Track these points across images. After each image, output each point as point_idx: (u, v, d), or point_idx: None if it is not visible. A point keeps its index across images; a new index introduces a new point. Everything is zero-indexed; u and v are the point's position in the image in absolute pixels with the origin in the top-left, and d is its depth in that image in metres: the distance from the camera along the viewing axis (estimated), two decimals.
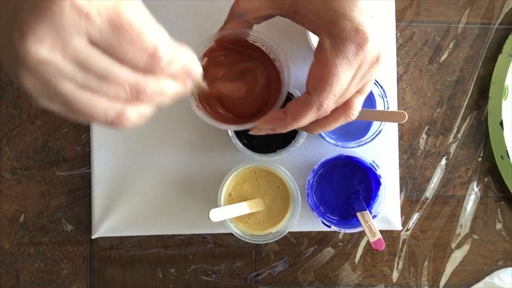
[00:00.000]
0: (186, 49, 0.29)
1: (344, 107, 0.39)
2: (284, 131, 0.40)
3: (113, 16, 0.24)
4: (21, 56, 0.23)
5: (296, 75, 0.56)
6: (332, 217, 0.55)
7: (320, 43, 0.37)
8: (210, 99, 0.45)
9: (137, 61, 0.25)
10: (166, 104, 0.30)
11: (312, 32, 0.38)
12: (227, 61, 0.45)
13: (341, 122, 0.39)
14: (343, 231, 0.52)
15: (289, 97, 0.53)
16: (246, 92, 0.45)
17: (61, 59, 0.24)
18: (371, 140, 0.52)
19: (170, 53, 0.26)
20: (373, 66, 0.37)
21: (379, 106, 0.53)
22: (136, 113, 0.28)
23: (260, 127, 0.41)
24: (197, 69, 0.30)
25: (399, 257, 0.58)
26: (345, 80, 0.36)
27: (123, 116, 0.27)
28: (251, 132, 0.41)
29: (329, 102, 0.37)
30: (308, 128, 0.40)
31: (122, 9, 0.24)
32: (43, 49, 0.23)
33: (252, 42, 0.44)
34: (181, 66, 0.28)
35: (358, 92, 0.39)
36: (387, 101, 0.51)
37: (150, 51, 0.25)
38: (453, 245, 0.58)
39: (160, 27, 0.27)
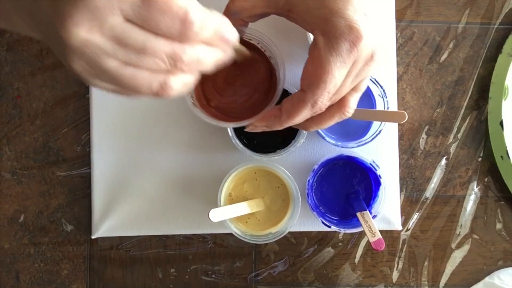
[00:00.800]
0: (217, 14, 0.29)
1: (339, 104, 0.39)
2: (279, 128, 0.40)
3: None
4: (65, 40, 0.25)
5: (296, 75, 0.55)
6: (332, 217, 0.55)
7: (314, 41, 0.37)
8: (206, 96, 0.45)
9: (170, 29, 0.26)
10: (211, 71, 0.30)
11: (306, 30, 0.39)
12: None
13: (336, 119, 0.40)
14: (343, 231, 0.52)
15: (287, 95, 0.53)
16: (243, 89, 0.45)
17: (100, 38, 0.25)
18: (371, 140, 0.52)
19: (201, 18, 0.27)
20: (367, 63, 0.37)
21: (379, 106, 0.53)
22: (179, 83, 0.29)
23: (255, 124, 0.41)
24: (232, 33, 0.30)
25: (399, 257, 0.58)
26: (339, 78, 0.36)
27: (167, 86, 0.28)
28: (247, 129, 0.42)
29: (324, 100, 0.37)
30: (303, 125, 0.41)
31: None
32: (82, 30, 0.25)
33: (247, 40, 0.44)
34: (214, 31, 0.29)
35: (353, 89, 0.39)
36: (387, 101, 0.51)
37: (181, 17, 0.26)
38: (453, 245, 0.58)
39: None
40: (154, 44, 0.26)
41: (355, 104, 0.40)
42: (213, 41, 0.29)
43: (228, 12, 0.40)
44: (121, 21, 0.26)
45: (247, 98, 0.45)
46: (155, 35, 0.26)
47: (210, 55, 0.30)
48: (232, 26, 0.31)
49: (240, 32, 0.42)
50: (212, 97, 0.45)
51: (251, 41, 0.44)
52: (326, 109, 0.38)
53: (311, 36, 0.51)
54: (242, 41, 0.43)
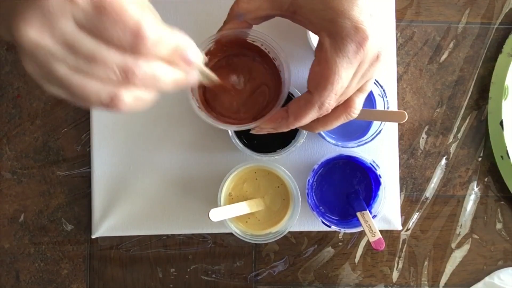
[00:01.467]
0: (179, 33, 0.28)
1: (345, 105, 0.39)
2: (285, 130, 0.40)
3: None
4: (17, 40, 0.25)
5: (296, 75, 0.56)
6: (332, 217, 0.55)
7: (320, 42, 0.37)
8: (212, 99, 0.45)
9: (122, 41, 0.25)
10: (169, 91, 0.29)
11: (312, 31, 0.38)
12: (227, 62, 0.45)
13: (342, 120, 0.40)
14: (343, 231, 0.52)
15: (289, 97, 0.53)
16: (247, 91, 0.45)
17: (51, 42, 0.25)
18: (371, 140, 0.52)
19: (156, 33, 0.26)
20: (373, 64, 0.37)
21: (379, 106, 0.53)
22: (131, 97, 0.27)
23: (262, 127, 0.41)
24: (195, 55, 0.29)
25: (399, 257, 0.58)
26: (345, 79, 0.36)
27: (117, 99, 0.27)
28: (252, 132, 0.42)
29: (331, 101, 0.37)
30: (309, 126, 0.41)
31: None
32: (33, 32, 0.25)
33: (251, 42, 0.44)
34: (173, 49, 0.28)
35: (359, 90, 0.39)
36: (387, 101, 0.51)
37: (133, 29, 0.25)
38: (453, 245, 0.58)
39: (148, 11, 0.27)
40: (105, 54, 0.26)
41: (361, 104, 0.40)
42: (173, 60, 0.28)
43: (232, 14, 0.40)
44: (73, 27, 0.25)
45: (252, 100, 0.45)
46: (107, 45, 0.26)
47: (168, 74, 0.28)
48: (196, 48, 0.29)
49: (244, 34, 0.42)
50: (217, 101, 0.45)
51: (255, 43, 0.44)
52: (332, 110, 0.38)
53: (311, 36, 0.51)
54: (246, 43, 0.43)
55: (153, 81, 0.27)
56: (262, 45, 0.44)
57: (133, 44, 0.26)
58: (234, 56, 0.45)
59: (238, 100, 0.45)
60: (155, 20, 0.26)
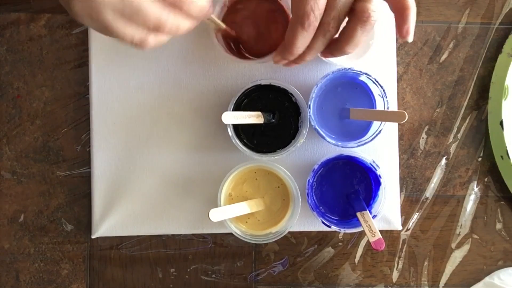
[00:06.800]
0: None
1: (355, 14, 0.38)
2: (292, 58, 0.42)
3: None
4: None
5: (296, 75, 0.56)
6: (332, 217, 0.55)
7: None
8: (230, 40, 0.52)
9: None
10: (180, 35, 0.36)
11: None
12: (242, 6, 0.51)
13: (359, 33, 0.39)
14: (343, 231, 0.52)
15: (291, 98, 0.53)
16: (262, 31, 0.51)
17: None
18: (371, 140, 0.52)
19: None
20: None
21: (379, 106, 0.53)
22: (155, 40, 0.35)
23: (275, 60, 0.44)
24: (208, 9, 0.36)
25: (399, 257, 0.58)
26: None
27: (146, 42, 0.34)
28: (275, 63, 0.45)
29: (309, 16, 0.38)
30: (336, 49, 0.41)
31: None
32: None
33: None
34: (199, 6, 0.35)
35: None
36: (387, 101, 0.51)
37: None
38: (453, 245, 0.58)
39: None
40: (148, 8, 0.32)
41: (376, 7, 0.38)
42: (193, 14, 0.35)
43: None
44: None
45: (267, 38, 0.51)
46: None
47: (186, 25, 0.35)
48: (210, 4, 0.36)
49: None
50: (237, 43, 0.52)
51: None
52: (346, 26, 0.39)
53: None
54: None
55: (175, 31, 0.34)
56: None
57: (176, 1, 0.32)
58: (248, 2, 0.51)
59: (255, 41, 0.51)
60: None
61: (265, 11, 0.52)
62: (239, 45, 0.53)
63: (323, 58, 0.48)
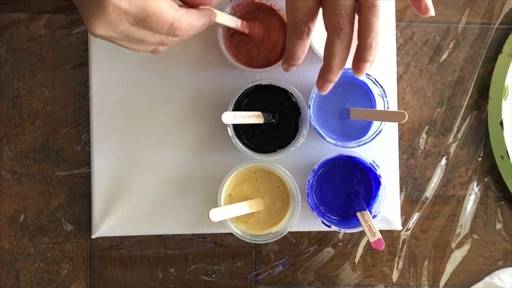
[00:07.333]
0: (196, 16, 0.41)
1: (361, 5, 0.38)
2: (297, 63, 0.44)
3: (142, 8, 0.37)
4: (91, 32, 0.38)
5: (296, 76, 0.56)
6: (332, 217, 0.55)
7: None
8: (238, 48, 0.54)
9: (162, 31, 0.39)
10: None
11: None
12: (246, 18, 0.53)
13: (371, 18, 0.39)
14: (343, 231, 0.52)
15: (291, 98, 0.53)
16: (264, 34, 0.53)
17: (114, 34, 0.38)
18: (371, 140, 0.52)
19: (183, 24, 0.39)
20: None
21: (379, 106, 0.53)
22: (162, 49, 0.43)
23: (283, 67, 0.46)
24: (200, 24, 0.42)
25: (399, 257, 0.58)
26: None
27: (155, 51, 0.43)
28: (285, 71, 0.47)
29: (301, 26, 0.40)
30: (361, 51, 0.40)
31: (149, 2, 0.37)
32: (103, 31, 0.37)
33: (258, 0, 0.52)
34: (192, 28, 0.41)
35: None
36: (387, 101, 0.51)
37: (168, 26, 0.39)
38: (453, 245, 0.58)
39: (175, 7, 0.39)
40: (149, 38, 0.40)
41: None
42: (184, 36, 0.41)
43: None
44: (127, 26, 0.38)
45: (271, 48, 0.53)
46: (152, 32, 0.39)
47: (183, 38, 0.42)
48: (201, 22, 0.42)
49: None
50: (241, 52, 0.53)
51: (261, 1, 0.53)
52: (359, 18, 0.39)
53: (313, 43, 0.52)
54: (254, 3, 0.53)
55: (175, 42, 0.42)
56: (271, 4, 0.53)
57: (168, 32, 0.39)
58: (249, 14, 0.53)
59: (258, 50, 0.53)
60: (181, 12, 0.39)
61: (269, 21, 0.53)
62: (241, 50, 0.54)
63: (357, 76, 0.43)
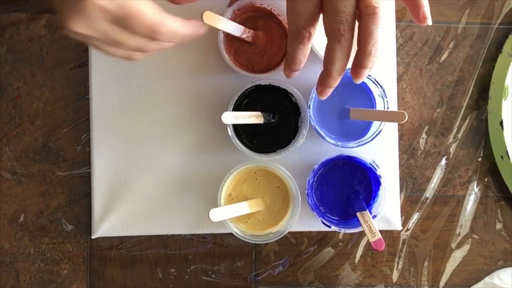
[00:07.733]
0: (181, 24, 0.39)
1: (361, 12, 0.38)
2: (298, 68, 0.44)
3: (122, 7, 0.35)
4: (67, 30, 0.37)
5: (296, 76, 0.55)
6: (332, 217, 0.55)
7: None
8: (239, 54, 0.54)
9: (142, 33, 0.37)
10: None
11: None
12: (247, 22, 0.53)
13: (371, 25, 0.39)
14: (343, 231, 0.52)
15: (287, 95, 0.53)
16: (267, 43, 0.53)
17: (91, 32, 0.36)
18: (371, 140, 0.52)
19: (165, 29, 0.38)
20: None
21: (379, 106, 0.53)
22: (140, 55, 0.42)
23: (285, 73, 0.46)
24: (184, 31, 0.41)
25: (399, 257, 0.58)
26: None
27: (132, 57, 0.42)
28: (287, 77, 0.46)
29: (302, 31, 0.40)
30: (360, 57, 0.40)
31: (130, 2, 0.36)
32: (80, 28, 0.36)
33: (259, 5, 0.52)
34: (172, 33, 0.39)
35: None
36: (387, 101, 0.51)
37: (148, 27, 0.37)
38: (453, 245, 0.58)
39: (158, 10, 0.37)
40: (128, 41, 0.38)
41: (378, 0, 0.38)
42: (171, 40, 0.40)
43: None
44: (106, 24, 0.36)
45: (272, 54, 0.53)
46: (131, 33, 0.37)
47: (166, 46, 0.41)
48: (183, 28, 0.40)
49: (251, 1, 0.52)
50: (242, 57, 0.54)
51: (262, 6, 0.52)
52: (359, 25, 0.39)
53: (314, 45, 0.52)
54: (255, 7, 0.52)
55: (155, 50, 0.41)
56: (268, 6, 0.52)
57: (148, 35, 0.38)
58: (249, 20, 0.53)
59: (261, 57, 0.53)
60: (163, 17, 0.38)
61: (270, 27, 0.53)
62: (241, 53, 0.54)
63: (356, 82, 0.43)
